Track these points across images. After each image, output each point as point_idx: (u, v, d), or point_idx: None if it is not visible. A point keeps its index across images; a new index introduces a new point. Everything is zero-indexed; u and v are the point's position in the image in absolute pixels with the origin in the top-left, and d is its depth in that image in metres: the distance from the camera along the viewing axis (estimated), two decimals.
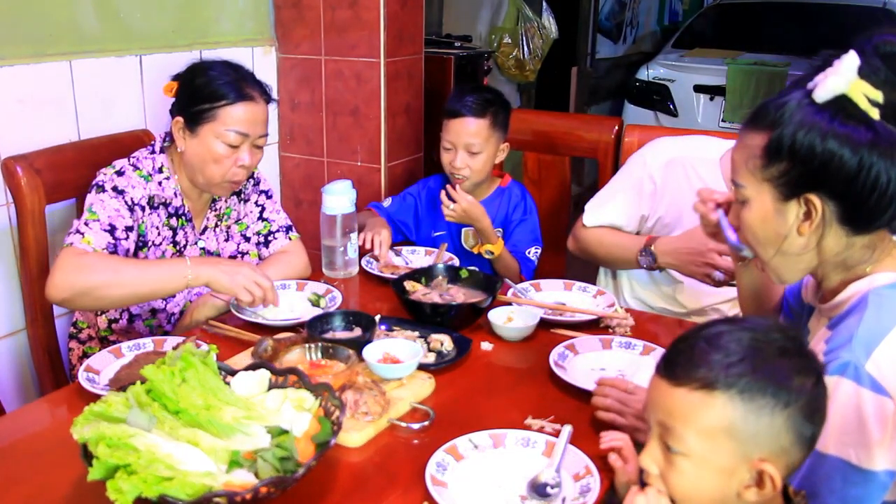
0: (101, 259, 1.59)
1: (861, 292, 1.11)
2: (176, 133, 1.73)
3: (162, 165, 1.77)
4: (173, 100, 1.76)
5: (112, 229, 1.65)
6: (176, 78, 1.76)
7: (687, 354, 0.93)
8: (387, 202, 2.27)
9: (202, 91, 1.69)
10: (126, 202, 1.68)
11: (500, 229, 2.18)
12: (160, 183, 1.76)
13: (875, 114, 1.05)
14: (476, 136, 2.06)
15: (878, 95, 1.05)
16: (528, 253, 2.14)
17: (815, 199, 1.09)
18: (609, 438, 1.15)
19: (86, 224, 1.63)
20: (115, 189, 1.68)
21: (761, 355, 0.90)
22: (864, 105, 1.05)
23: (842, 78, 1.06)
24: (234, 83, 1.70)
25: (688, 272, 1.74)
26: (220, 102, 1.68)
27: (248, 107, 1.70)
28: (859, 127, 1.05)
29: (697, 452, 0.92)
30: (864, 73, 1.05)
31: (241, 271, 1.61)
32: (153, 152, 1.78)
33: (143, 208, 1.72)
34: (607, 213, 1.94)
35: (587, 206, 1.99)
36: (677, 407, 0.92)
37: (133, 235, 1.69)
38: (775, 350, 0.90)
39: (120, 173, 1.71)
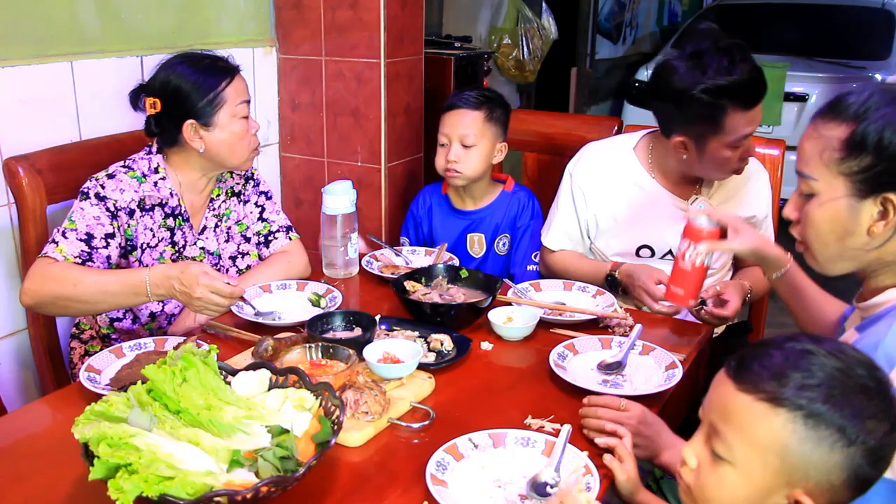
0: (66, 271, 1.60)
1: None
2: (190, 136, 1.72)
3: (158, 165, 1.77)
4: (151, 115, 1.75)
5: (89, 238, 1.66)
6: (149, 94, 1.74)
7: (763, 362, 0.89)
8: (405, 242, 2.24)
9: (201, 86, 1.71)
10: (108, 209, 1.68)
11: (507, 234, 2.17)
12: (155, 183, 1.76)
13: None
14: (469, 128, 2.05)
15: None
16: (535, 256, 2.13)
17: None
18: (604, 439, 1.16)
19: (63, 234, 1.65)
20: (97, 196, 1.69)
21: (840, 387, 0.85)
22: None
23: None
24: (217, 64, 1.76)
25: (630, 290, 1.85)
26: (223, 84, 1.73)
27: (238, 77, 1.78)
28: None
29: (742, 463, 0.89)
30: None
31: (196, 291, 1.54)
32: (150, 153, 1.79)
33: (130, 212, 1.72)
34: (558, 234, 2.05)
35: (542, 230, 2.09)
36: (736, 412, 0.89)
37: (115, 242, 1.69)
38: (856, 386, 0.85)
39: (111, 176, 1.72)
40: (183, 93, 1.71)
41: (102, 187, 1.69)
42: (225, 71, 1.75)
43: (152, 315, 1.82)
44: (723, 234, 1.48)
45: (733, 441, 0.89)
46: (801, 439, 0.84)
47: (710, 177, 1.88)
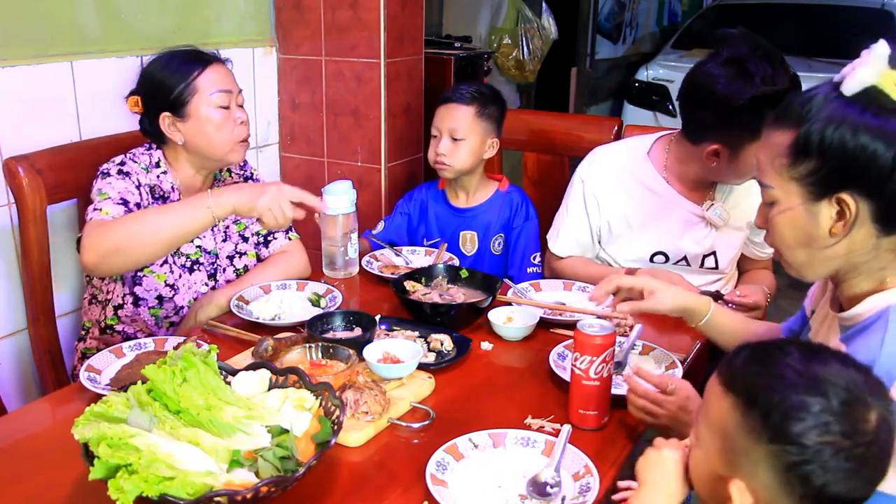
0: (123, 217, 1.62)
1: (879, 307, 1.06)
2: (168, 130, 1.74)
3: (159, 160, 1.79)
4: (141, 114, 1.79)
5: (125, 202, 1.67)
6: (133, 93, 1.78)
7: (743, 354, 0.92)
8: (379, 227, 2.24)
9: (171, 79, 1.72)
10: (133, 182, 1.72)
11: (502, 234, 2.17)
12: (158, 177, 1.78)
13: None
14: (460, 122, 2.06)
15: None
16: (534, 259, 2.14)
17: (849, 199, 1.03)
18: (620, 495, 1.12)
19: (100, 204, 1.65)
20: (120, 172, 1.71)
21: (790, 388, 0.84)
22: (895, 95, 1.01)
23: (871, 68, 1.01)
24: (192, 57, 1.76)
25: None
26: (193, 75, 1.72)
27: (216, 68, 1.76)
28: (892, 119, 1.00)
29: (703, 443, 0.93)
30: (894, 63, 1.01)
31: (267, 191, 1.60)
32: (150, 149, 1.80)
33: (148, 192, 1.75)
34: (567, 241, 2.02)
35: (549, 236, 2.07)
36: (706, 395, 0.94)
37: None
38: (815, 392, 0.83)
39: (121, 164, 1.75)
40: (156, 86, 1.73)
41: (123, 164, 1.73)
42: (197, 61, 1.74)
43: (160, 298, 1.82)
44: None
45: (701, 421, 0.94)
46: (736, 425, 0.87)
47: (731, 182, 1.86)
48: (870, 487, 0.85)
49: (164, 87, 1.72)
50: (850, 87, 1.03)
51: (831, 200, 1.05)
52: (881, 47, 1.01)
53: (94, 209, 1.65)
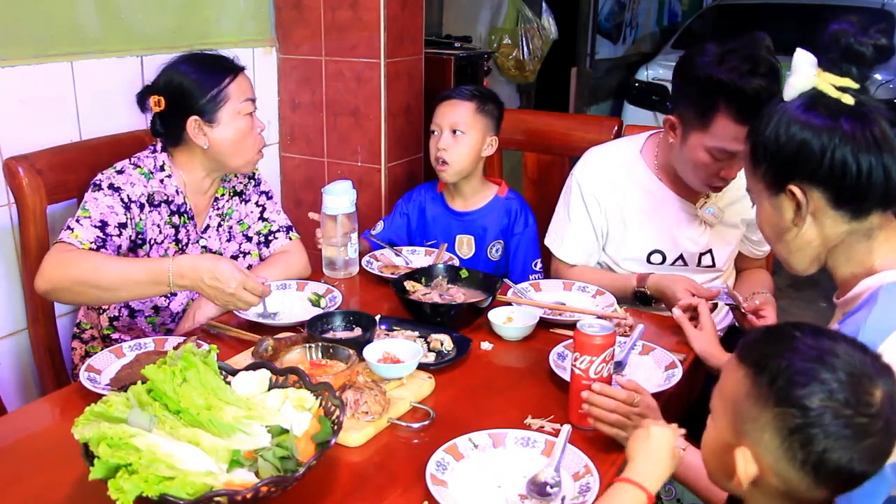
0: (86, 256, 1.59)
1: (873, 287, 1.12)
2: (194, 133, 1.73)
3: (164, 163, 1.78)
4: (155, 113, 1.76)
5: (103, 225, 1.66)
6: (152, 92, 1.75)
7: (758, 332, 0.96)
8: (378, 226, 2.24)
9: (204, 83, 1.72)
10: (122, 199, 1.70)
11: (501, 241, 2.17)
12: (162, 181, 1.77)
13: (848, 99, 1.11)
14: (460, 116, 2.07)
15: (847, 81, 1.11)
16: (535, 265, 2.14)
17: (796, 189, 1.14)
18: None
19: (77, 221, 1.65)
20: (111, 187, 1.70)
21: (800, 359, 0.86)
22: (834, 94, 1.11)
23: (800, 75, 1.13)
24: (224, 64, 1.77)
25: (667, 304, 1.81)
26: (226, 81, 1.73)
27: (242, 76, 1.79)
28: (821, 113, 1.11)
29: (715, 414, 0.96)
30: (826, 65, 1.13)
31: (231, 286, 1.52)
32: (154, 151, 1.80)
33: (141, 206, 1.73)
34: (573, 248, 1.99)
35: (551, 243, 2.03)
36: (724, 371, 0.97)
37: (127, 233, 1.70)
38: (821, 363, 0.85)
39: (120, 171, 1.73)
40: (186, 89, 1.72)
41: (121, 172, 1.72)
42: (228, 69, 1.76)
43: (156, 308, 1.82)
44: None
45: (716, 395, 0.97)
46: (746, 392, 0.90)
47: (688, 180, 1.83)
48: (872, 464, 0.86)
49: (197, 91, 1.71)
50: (789, 94, 1.15)
51: (786, 193, 1.16)
52: (800, 55, 1.14)
53: (69, 227, 1.64)
